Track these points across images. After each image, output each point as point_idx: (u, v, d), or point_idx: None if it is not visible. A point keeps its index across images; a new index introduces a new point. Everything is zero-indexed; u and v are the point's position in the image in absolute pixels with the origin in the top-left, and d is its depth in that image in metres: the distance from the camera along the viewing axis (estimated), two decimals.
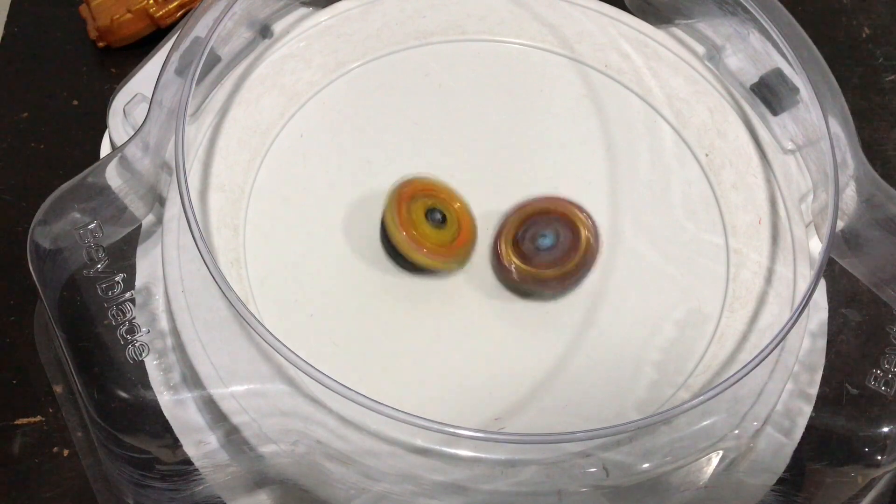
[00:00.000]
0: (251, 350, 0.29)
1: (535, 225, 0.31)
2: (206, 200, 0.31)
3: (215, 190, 0.32)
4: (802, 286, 0.32)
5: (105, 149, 0.35)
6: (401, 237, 0.30)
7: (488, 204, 0.33)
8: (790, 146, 0.36)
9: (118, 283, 0.29)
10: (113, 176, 0.31)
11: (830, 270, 0.33)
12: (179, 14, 0.44)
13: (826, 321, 0.33)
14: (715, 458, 0.29)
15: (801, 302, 0.29)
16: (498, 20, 0.37)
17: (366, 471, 0.28)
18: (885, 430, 0.30)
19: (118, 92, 0.34)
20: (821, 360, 0.32)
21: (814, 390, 0.32)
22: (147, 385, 0.29)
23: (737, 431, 0.29)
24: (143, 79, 0.34)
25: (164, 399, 0.29)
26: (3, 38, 0.45)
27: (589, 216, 0.31)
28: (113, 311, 0.29)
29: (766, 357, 0.28)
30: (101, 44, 0.45)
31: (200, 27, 0.32)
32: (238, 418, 0.28)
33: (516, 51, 0.37)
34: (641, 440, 0.29)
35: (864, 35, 0.50)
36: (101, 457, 0.30)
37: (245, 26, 0.35)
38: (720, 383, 0.27)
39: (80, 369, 0.28)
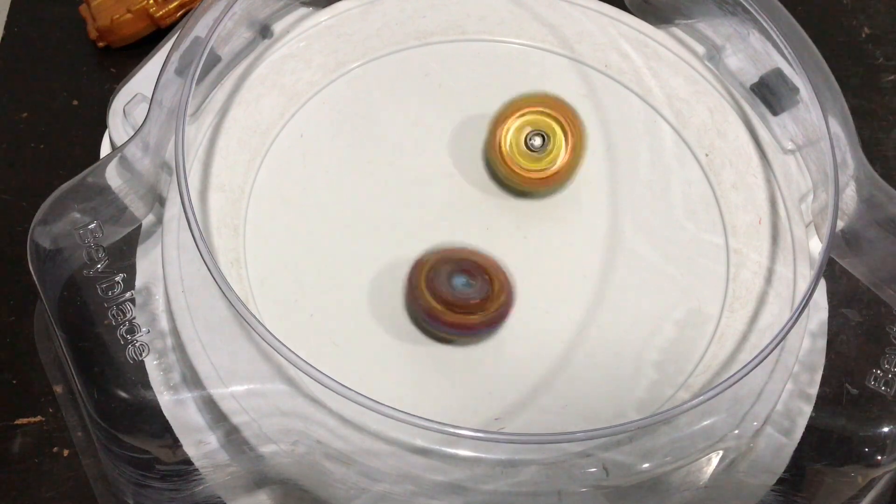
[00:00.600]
0: (251, 350, 0.29)
1: (454, 269, 0.30)
2: (206, 200, 0.31)
3: (215, 190, 0.32)
4: (802, 286, 0.32)
5: (105, 149, 0.35)
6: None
7: (488, 203, 0.33)
8: (790, 146, 0.36)
9: (118, 283, 0.29)
10: (113, 176, 0.31)
11: (830, 270, 0.33)
12: (179, 14, 0.44)
13: (826, 321, 0.33)
14: (715, 458, 0.29)
15: (801, 302, 0.29)
16: (498, 20, 0.37)
17: (366, 471, 0.28)
18: (885, 430, 0.30)
19: (118, 92, 0.34)
20: (821, 360, 0.32)
21: (814, 390, 0.32)
22: (147, 385, 0.29)
23: (737, 431, 0.29)
24: (143, 79, 0.34)
25: (164, 399, 0.29)
26: (3, 38, 0.45)
27: (504, 269, 0.30)
28: (113, 311, 0.29)
29: (766, 357, 0.28)
30: (101, 44, 0.45)
31: (200, 27, 0.32)
32: (238, 418, 0.28)
33: (516, 51, 0.37)
34: (641, 440, 0.29)
35: (864, 35, 0.50)
36: (101, 457, 0.30)
37: (245, 26, 0.35)
38: (720, 383, 0.27)
39: (80, 369, 0.28)
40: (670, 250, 0.33)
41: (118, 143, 0.33)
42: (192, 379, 0.29)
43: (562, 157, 0.32)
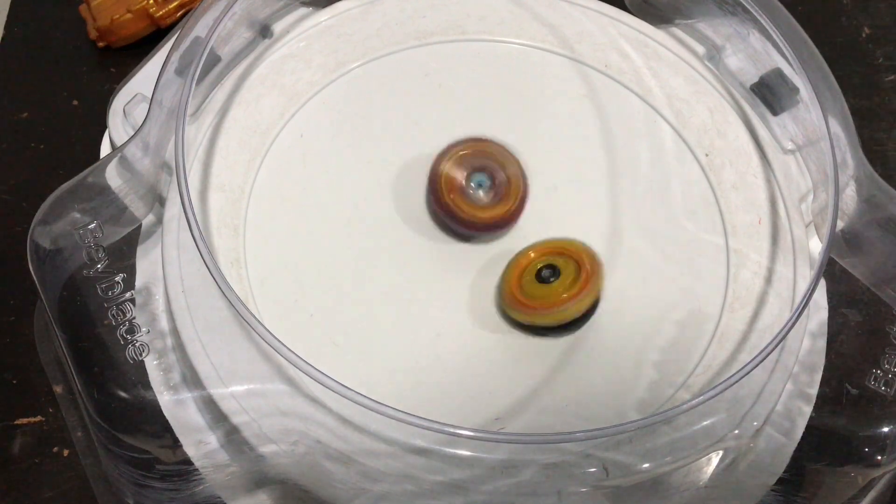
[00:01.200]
0: (251, 350, 0.29)
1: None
2: (206, 200, 0.31)
3: (215, 190, 0.32)
4: (802, 286, 0.32)
5: (105, 149, 0.35)
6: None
7: None
8: (790, 146, 0.36)
9: (118, 283, 0.29)
10: (113, 176, 0.31)
11: (830, 270, 0.33)
12: (179, 14, 0.44)
13: (826, 321, 0.33)
14: (715, 458, 0.29)
15: (801, 302, 0.29)
16: (498, 20, 0.37)
17: (366, 471, 0.28)
18: (885, 430, 0.30)
19: (118, 92, 0.34)
20: (821, 360, 0.32)
21: (814, 390, 0.32)
22: (147, 385, 0.29)
23: (737, 431, 0.29)
24: (143, 79, 0.34)
25: (164, 399, 0.29)
26: (3, 38, 0.45)
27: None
28: (113, 311, 0.29)
29: (766, 357, 0.28)
30: (101, 44, 0.45)
31: (200, 27, 0.32)
32: (238, 418, 0.28)
33: (516, 51, 0.37)
34: (641, 440, 0.29)
35: (864, 35, 0.50)
36: (101, 457, 0.30)
37: (245, 26, 0.35)
38: (720, 383, 0.27)
39: (80, 369, 0.28)
40: (670, 250, 0.33)
41: (118, 143, 0.33)
42: (192, 379, 0.29)
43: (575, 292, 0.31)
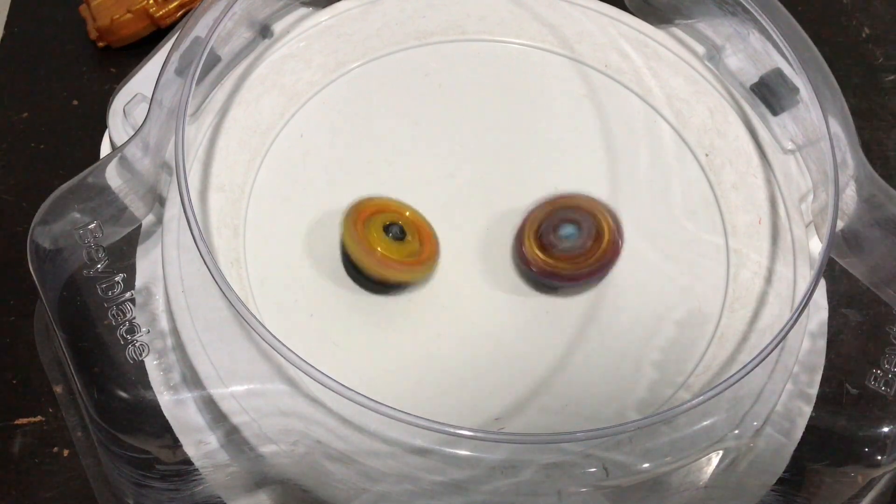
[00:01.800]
0: (251, 350, 0.29)
1: (558, 219, 0.31)
2: (206, 200, 0.31)
3: (215, 190, 0.32)
4: (802, 286, 0.32)
5: (105, 149, 0.35)
6: (368, 259, 0.30)
7: (487, 203, 0.33)
8: (790, 146, 0.36)
9: (118, 283, 0.29)
10: (113, 176, 0.31)
11: (830, 270, 0.33)
12: (179, 14, 0.44)
13: (826, 321, 0.33)
14: (715, 458, 0.29)
15: (801, 302, 0.29)
16: (498, 20, 0.37)
17: (366, 471, 0.28)
18: (885, 430, 0.30)
19: (118, 92, 0.34)
20: (821, 360, 0.32)
21: (814, 390, 0.32)
22: (147, 385, 0.29)
23: (737, 431, 0.29)
24: (143, 79, 0.34)
25: (164, 399, 0.29)
26: (3, 38, 0.45)
27: (611, 211, 0.31)
28: (113, 311, 0.29)
29: (766, 357, 0.28)
30: (101, 44, 0.45)
31: (200, 27, 0.32)
32: (238, 418, 0.28)
33: (516, 51, 0.37)
34: (641, 440, 0.29)
35: (864, 35, 0.50)
36: (101, 457, 0.30)
37: (245, 26, 0.35)
38: (720, 383, 0.27)
39: (80, 369, 0.28)
40: (670, 250, 0.33)
41: (118, 143, 0.33)
42: (192, 379, 0.29)
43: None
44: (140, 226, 0.32)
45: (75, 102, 0.44)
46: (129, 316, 0.29)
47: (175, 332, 0.29)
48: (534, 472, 0.28)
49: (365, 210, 0.31)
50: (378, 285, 0.31)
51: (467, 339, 0.31)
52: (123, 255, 0.30)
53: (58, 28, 0.46)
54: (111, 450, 0.29)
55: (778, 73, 0.35)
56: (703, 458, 0.29)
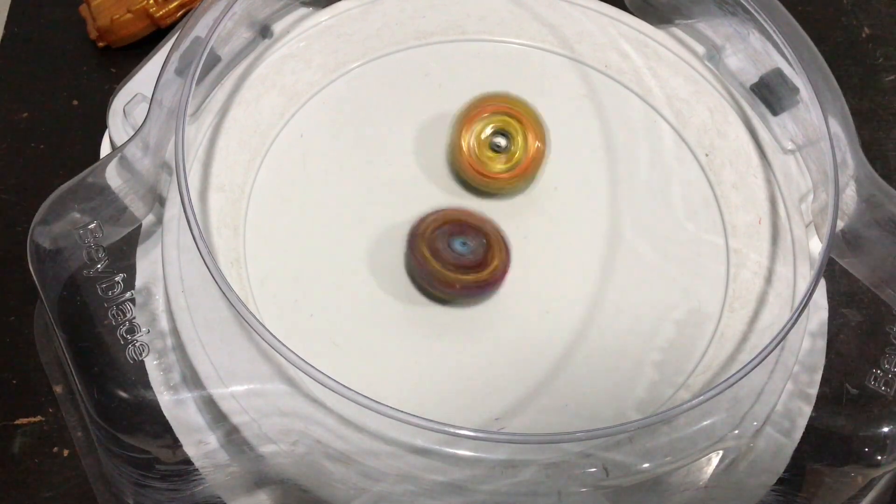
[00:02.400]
0: (251, 350, 0.29)
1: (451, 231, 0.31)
2: (206, 200, 0.31)
3: (215, 190, 0.32)
4: (802, 286, 0.32)
5: (105, 149, 0.35)
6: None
7: (487, 202, 0.33)
8: (790, 146, 0.36)
9: (118, 283, 0.29)
10: (113, 176, 0.31)
11: (830, 270, 0.33)
12: (179, 14, 0.44)
13: (826, 321, 0.33)
14: (715, 458, 0.29)
15: (801, 302, 0.29)
16: (498, 20, 0.37)
17: (366, 471, 0.28)
18: (885, 430, 0.30)
19: (118, 92, 0.34)
20: (821, 360, 0.32)
21: (814, 390, 0.32)
22: (147, 385, 0.29)
23: (737, 431, 0.29)
24: (143, 79, 0.34)
25: (164, 399, 0.29)
26: (3, 38, 0.45)
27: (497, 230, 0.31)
28: (113, 311, 0.29)
29: (766, 357, 0.28)
30: (101, 44, 0.45)
31: (200, 27, 0.32)
32: (238, 418, 0.28)
33: (516, 51, 0.37)
34: (641, 440, 0.29)
35: (864, 35, 0.50)
36: (101, 457, 0.30)
37: (245, 26, 0.35)
38: (720, 383, 0.27)
39: (80, 369, 0.28)
40: (670, 250, 0.33)
41: (118, 143, 0.33)
42: (192, 379, 0.29)
43: (523, 154, 0.32)
44: (140, 226, 0.32)
45: (75, 102, 0.44)
46: (129, 316, 0.29)
47: (175, 332, 0.29)
48: (534, 472, 0.28)
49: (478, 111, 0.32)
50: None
51: (467, 340, 0.31)
52: (123, 255, 0.30)
53: (58, 28, 0.46)
54: (111, 450, 0.29)
55: (778, 73, 0.35)
56: (703, 458, 0.29)
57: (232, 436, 0.28)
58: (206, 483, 0.30)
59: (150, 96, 0.31)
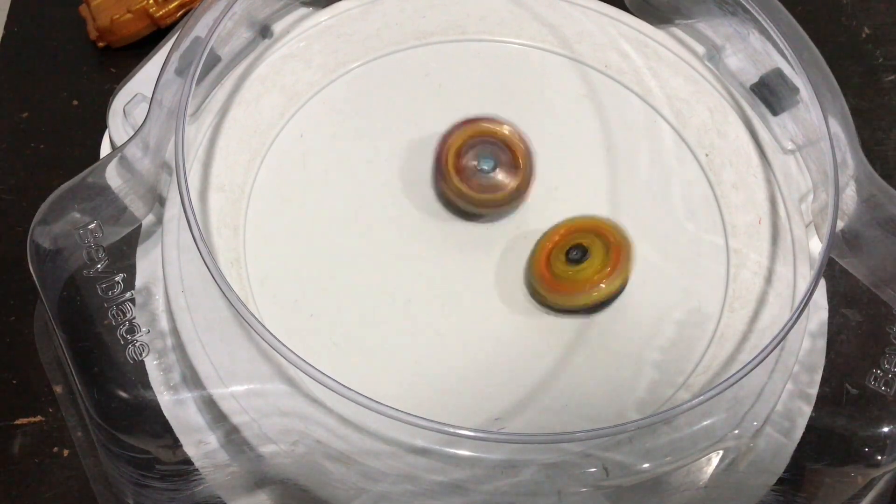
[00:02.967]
0: (251, 350, 0.29)
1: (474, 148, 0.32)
2: (206, 200, 0.31)
3: (215, 190, 0.32)
4: (802, 286, 0.32)
5: (105, 149, 0.35)
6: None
7: None
8: (790, 146, 0.36)
9: (118, 283, 0.29)
10: (113, 176, 0.31)
11: (830, 270, 0.33)
12: (179, 14, 0.44)
13: (826, 321, 0.33)
14: (715, 458, 0.29)
15: (801, 302, 0.29)
16: (498, 20, 0.37)
17: (366, 471, 0.28)
18: (885, 430, 0.30)
19: (118, 92, 0.34)
20: (821, 360, 0.32)
21: (814, 390, 0.32)
22: (147, 385, 0.29)
23: (737, 431, 0.29)
24: (143, 79, 0.34)
25: (164, 399, 0.29)
26: (3, 38, 0.45)
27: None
28: (113, 311, 0.29)
29: (766, 357, 0.28)
30: (101, 44, 0.45)
31: (200, 27, 0.32)
32: (238, 418, 0.28)
33: (516, 51, 0.37)
34: (641, 440, 0.29)
35: (864, 35, 0.50)
36: (101, 457, 0.30)
37: (245, 26, 0.35)
38: (720, 383, 0.27)
39: (80, 369, 0.28)
40: (670, 250, 0.33)
41: (118, 143, 0.33)
42: (192, 379, 0.29)
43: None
44: (140, 226, 0.32)
45: (75, 102, 0.44)
46: (129, 316, 0.29)
47: (175, 332, 0.29)
48: (534, 472, 0.28)
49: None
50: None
51: (467, 339, 0.31)
52: (123, 255, 0.30)
53: (58, 28, 0.46)
54: (111, 450, 0.29)
55: (778, 73, 0.35)
56: (703, 458, 0.29)
57: (232, 436, 0.28)
58: (206, 483, 0.30)
59: (150, 96, 0.31)
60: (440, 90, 0.35)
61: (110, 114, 0.33)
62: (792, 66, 0.34)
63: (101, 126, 0.34)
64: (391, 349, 0.30)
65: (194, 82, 0.30)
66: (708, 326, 0.32)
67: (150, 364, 0.29)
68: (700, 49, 0.38)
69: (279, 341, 0.26)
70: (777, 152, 0.35)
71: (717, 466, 0.30)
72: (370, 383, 0.28)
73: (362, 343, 0.30)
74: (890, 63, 0.49)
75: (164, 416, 0.29)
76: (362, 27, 0.36)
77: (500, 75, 0.36)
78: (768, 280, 0.33)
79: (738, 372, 0.28)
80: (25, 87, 0.44)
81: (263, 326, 0.26)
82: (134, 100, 0.33)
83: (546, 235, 0.32)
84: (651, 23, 0.38)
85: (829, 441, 0.31)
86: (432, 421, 0.26)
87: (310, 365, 0.26)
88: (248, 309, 0.26)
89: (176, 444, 0.29)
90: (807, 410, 0.31)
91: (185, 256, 0.30)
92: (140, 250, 0.31)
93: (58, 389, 0.34)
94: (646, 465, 0.28)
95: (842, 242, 0.33)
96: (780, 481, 0.30)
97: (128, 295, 0.29)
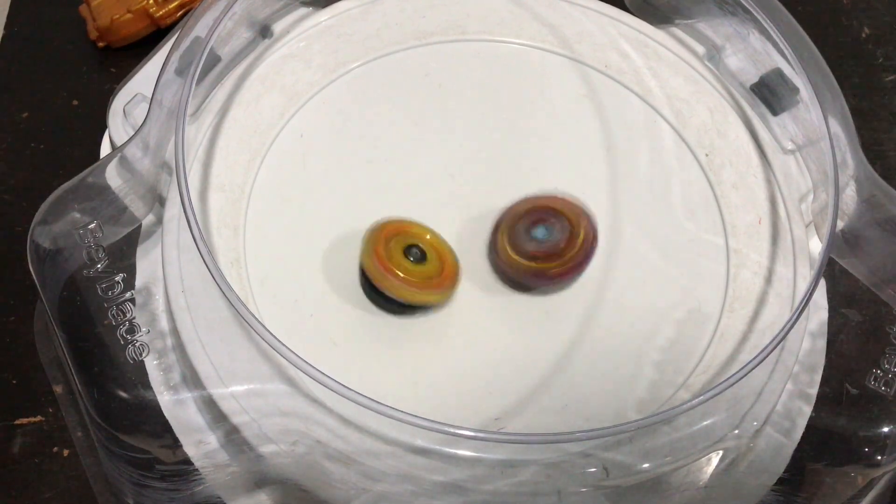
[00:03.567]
0: (251, 350, 0.29)
1: (533, 218, 0.31)
2: (206, 200, 0.31)
3: (215, 190, 0.32)
4: (802, 286, 0.32)
5: (105, 149, 0.35)
6: (387, 280, 0.30)
7: (488, 203, 0.33)
8: (790, 146, 0.36)
9: (118, 283, 0.29)
10: (113, 176, 0.31)
11: (830, 270, 0.33)
12: (179, 14, 0.44)
13: (826, 321, 0.33)
14: (715, 458, 0.29)
15: (801, 302, 0.29)
16: (498, 20, 0.37)
17: (366, 471, 0.28)
18: (885, 430, 0.30)
19: (118, 92, 0.34)
20: (821, 360, 0.32)
21: (814, 390, 0.32)
22: (147, 385, 0.29)
23: (737, 431, 0.29)
24: (143, 79, 0.34)
25: (164, 399, 0.29)
26: (3, 38, 0.45)
27: (587, 213, 0.31)
28: (113, 311, 0.29)
29: (766, 357, 0.28)
30: (101, 44, 0.45)
31: (200, 27, 0.32)
32: (238, 418, 0.28)
33: (516, 51, 0.37)
34: (641, 440, 0.29)
35: (864, 35, 0.50)
36: (101, 457, 0.30)
37: (245, 26, 0.35)
38: (720, 383, 0.27)
39: (80, 369, 0.28)
40: (670, 250, 0.33)
41: (118, 143, 0.33)
42: (192, 379, 0.29)
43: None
44: (140, 226, 0.32)
45: (75, 102, 0.44)
46: (129, 316, 0.29)
47: (175, 332, 0.29)
48: (534, 472, 0.28)
49: (385, 231, 0.30)
50: (389, 301, 0.31)
51: (467, 339, 0.31)
52: (123, 255, 0.30)
53: (58, 28, 0.46)
54: (111, 450, 0.29)
55: (778, 73, 0.36)
56: (703, 458, 0.29)
57: (232, 436, 0.28)
58: (206, 483, 0.30)
59: (150, 96, 0.31)
60: (440, 90, 0.35)
61: (110, 114, 0.33)
62: (792, 66, 0.34)
63: (101, 126, 0.34)
64: (391, 349, 0.30)
65: (194, 82, 0.30)
66: (708, 326, 0.32)
67: (150, 364, 0.29)
68: (700, 49, 0.38)
69: (279, 341, 0.26)
70: (777, 152, 0.35)
71: (717, 466, 0.30)
72: (370, 383, 0.28)
73: (362, 343, 0.30)
74: (890, 63, 0.49)
75: (164, 416, 0.29)
76: (362, 27, 0.36)
77: (500, 75, 0.36)
78: (768, 280, 0.33)
79: (738, 372, 0.28)
80: (25, 87, 0.44)
81: (263, 326, 0.26)
82: (134, 100, 0.33)
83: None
84: (651, 23, 0.38)
85: (829, 441, 0.31)
86: (432, 421, 0.26)
87: (310, 365, 0.26)
88: (248, 309, 0.26)
89: (176, 444, 0.29)
90: (807, 410, 0.31)
91: (185, 256, 0.30)
92: (140, 250, 0.31)
93: (58, 389, 0.34)
94: (646, 465, 0.29)
95: (842, 242, 0.33)
96: (780, 481, 0.30)
97: (128, 295, 0.29)
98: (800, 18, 0.35)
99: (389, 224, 0.31)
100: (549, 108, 0.36)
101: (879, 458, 0.30)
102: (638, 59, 0.37)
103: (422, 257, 0.30)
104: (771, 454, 0.31)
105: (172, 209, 0.31)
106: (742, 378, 0.27)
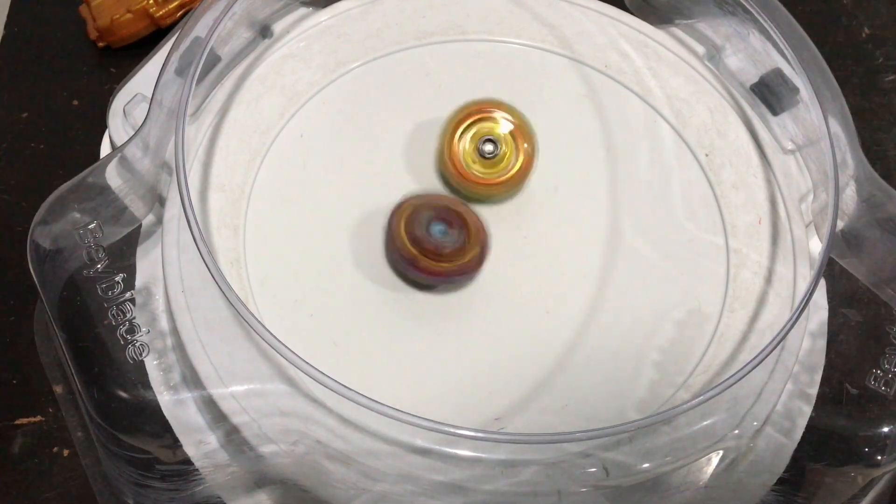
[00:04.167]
0: (251, 350, 0.29)
1: (441, 215, 0.31)
2: (206, 200, 0.31)
3: (215, 190, 0.32)
4: (802, 286, 0.32)
5: (105, 149, 0.35)
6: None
7: (489, 204, 0.33)
8: (790, 146, 0.36)
9: (118, 283, 0.29)
10: (113, 176, 0.31)
11: (830, 270, 0.33)
12: (179, 14, 0.44)
13: (826, 321, 0.33)
14: (715, 458, 0.30)
15: (801, 302, 0.29)
16: (498, 20, 0.37)
17: (366, 471, 0.28)
18: (885, 430, 0.30)
19: (118, 92, 0.34)
20: (821, 360, 0.32)
21: (814, 390, 0.32)
22: (147, 385, 0.29)
23: (737, 431, 0.29)
24: (143, 79, 0.34)
25: (164, 399, 0.29)
26: (3, 38, 0.45)
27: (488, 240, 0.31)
28: (113, 311, 0.29)
29: (766, 357, 0.28)
30: (101, 44, 0.45)
31: (200, 27, 0.32)
32: (238, 418, 0.28)
33: (516, 51, 0.37)
34: (641, 440, 0.29)
35: (864, 35, 0.50)
36: (101, 457, 0.30)
37: (245, 26, 0.35)
38: (720, 383, 0.27)
39: (80, 369, 0.28)
40: (670, 250, 0.33)
41: (118, 143, 0.33)
42: (192, 379, 0.29)
43: (515, 163, 0.32)
44: (140, 226, 0.32)
45: (75, 102, 0.44)
46: (129, 316, 0.29)
47: (175, 332, 0.29)
48: (534, 472, 0.28)
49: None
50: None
51: (467, 339, 0.31)
52: (123, 255, 0.30)
53: (58, 28, 0.46)
54: (111, 450, 0.29)
55: (778, 73, 0.35)
56: (703, 458, 0.29)
57: (232, 436, 0.28)
58: (206, 483, 0.30)
59: (150, 96, 0.31)
60: (440, 90, 0.35)
61: (110, 114, 0.33)
62: (792, 66, 0.34)
63: (101, 126, 0.34)
64: (391, 349, 0.30)
65: (194, 82, 0.30)
66: (708, 326, 0.32)
67: (150, 364, 0.29)
68: (700, 49, 0.38)
69: (279, 341, 0.26)
70: (777, 152, 0.35)
71: (717, 466, 0.30)
72: (370, 383, 0.28)
73: (362, 343, 0.30)
74: (890, 63, 0.49)
75: (164, 416, 0.29)
76: (362, 27, 0.36)
77: (500, 75, 0.36)
78: (768, 280, 0.33)
79: (738, 372, 0.28)
80: (25, 87, 0.44)
81: (263, 326, 0.26)
82: (134, 100, 0.33)
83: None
84: (651, 23, 0.38)
85: (829, 441, 0.31)
86: (432, 421, 0.26)
87: (310, 365, 0.26)
88: (248, 309, 0.26)
89: (176, 444, 0.29)
90: (807, 410, 0.31)
91: (185, 256, 0.30)
92: (140, 250, 0.31)
93: (58, 389, 0.34)
94: (646, 465, 0.29)
95: (842, 242, 0.33)
96: (780, 481, 0.30)
97: (128, 295, 0.29)
98: (800, 18, 0.35)
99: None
100: (549, 108, 0.36)
101: (879, 458, 0.30)
102: (638, 59, 0.37)
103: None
104: (771, 454, 0.31)
105: (172, 209, 0.31)
106: (742, 378, 0.27)
